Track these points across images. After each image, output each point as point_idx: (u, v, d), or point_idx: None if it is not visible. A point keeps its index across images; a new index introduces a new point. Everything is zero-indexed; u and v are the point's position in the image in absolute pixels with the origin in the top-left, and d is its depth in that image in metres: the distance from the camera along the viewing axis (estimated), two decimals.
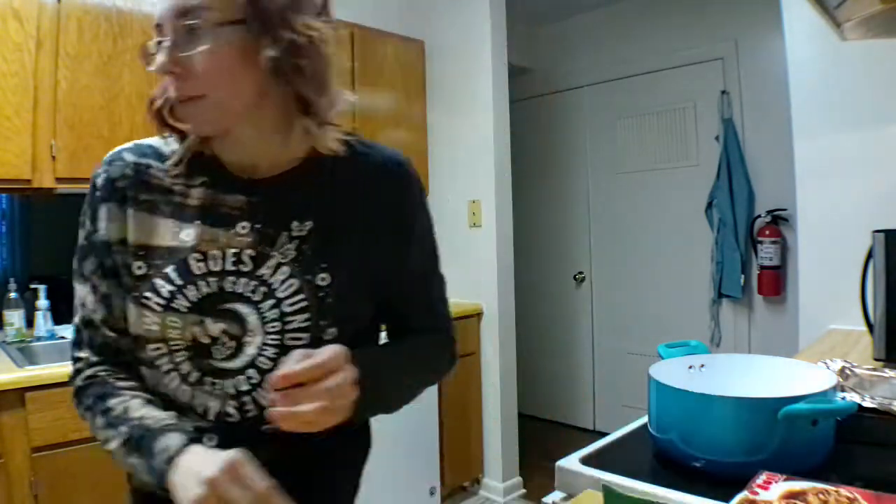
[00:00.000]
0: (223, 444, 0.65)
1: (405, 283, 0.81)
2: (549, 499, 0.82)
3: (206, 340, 0.70)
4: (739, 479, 0.64)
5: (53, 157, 1.82)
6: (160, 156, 0.76)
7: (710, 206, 3.08)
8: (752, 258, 2.94)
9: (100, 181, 0.75)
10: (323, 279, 0.73)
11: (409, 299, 0.83)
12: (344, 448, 0.80)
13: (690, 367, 0.93)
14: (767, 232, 2.82)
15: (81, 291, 0.76)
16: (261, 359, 0.70)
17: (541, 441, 3.44)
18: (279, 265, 0.72)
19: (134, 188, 0.74)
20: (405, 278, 0.81)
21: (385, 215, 0.78)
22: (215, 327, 0.70)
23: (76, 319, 0.77)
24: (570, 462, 0.82)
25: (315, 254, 0.73)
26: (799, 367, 0.91)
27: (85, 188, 0.76)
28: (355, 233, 0.76)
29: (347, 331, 0.73)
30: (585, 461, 0.82)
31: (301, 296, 0.71)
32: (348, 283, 0.74)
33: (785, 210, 2.79)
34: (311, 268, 0.72)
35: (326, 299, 0.72)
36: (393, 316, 0.83)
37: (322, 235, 0.74)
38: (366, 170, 0.79)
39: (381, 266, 0.78)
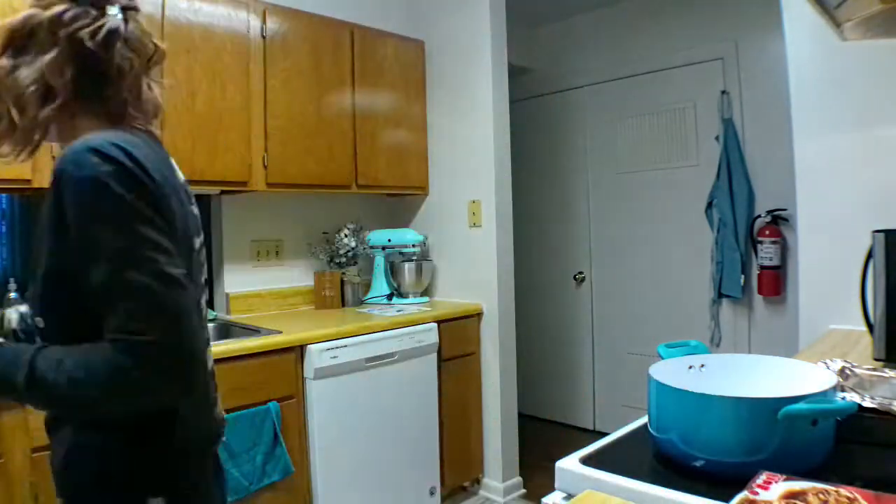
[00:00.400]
0: None
1: (84, 288, 0.76)
2: (549, 499, 0.82)
3: None
4: (739, 479, 0.64)
5: (53, 157, 1.81)
6: None
7: (710, 206, 3.08)
8: (752, 258, 2.94)
9: None
10: (33, 273, 0.84)
11: (99, 305, 0.76)
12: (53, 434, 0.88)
13: (690, 367, 0.94)
14: (767, 232, 2.82)
15: None
16: None
17: (541, 441, 3.44)
18: None
19: None
20: (80, 282, 0.77)
21: (47, 216, 0.80)
22: None
23: None
24: (570, 462, 0.82)
25: (37, 251, 0.84)
26: (799, 367, 0.91)
27: None
28: (45, 234, 0.81)
29: (51, 324, 0.83)
30: (585, 461, 0.82)
31: (30, 285, 0.86)
32: (41, 281, 0.82)
33: (785, 210, 2.79)
34: (36, 262, 0.84)
35: (28, 292, 0.87)
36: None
37: (37, 236, 0.84)
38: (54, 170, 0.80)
39: (63, 268, 0.79)
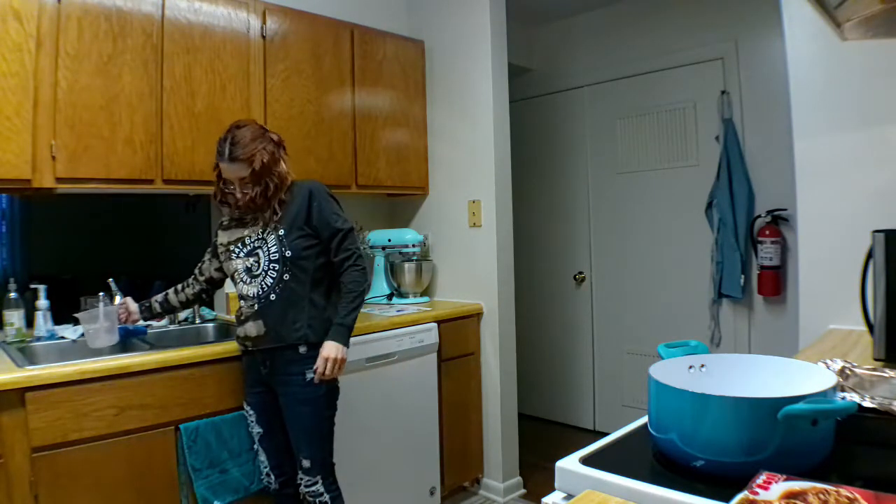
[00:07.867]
0: None
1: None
2: (549, 499, 0.82)
3: None
4: (739, 479, 0.64)
5: (53, 157, 1.81)
6: None
7: (710, 206, 3.08)
8: (752, 258, 2.94)
9: None
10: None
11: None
12: None
13: (690, 367, 0.93)
14: (767, 232, 2.82)
15: None
16: None
17: (541, 441, 3.44)
18: None
19: None
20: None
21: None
22: None
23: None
24: (570, 462, 0.82)
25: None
26: (799, 367, 0.91)
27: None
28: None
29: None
30: (585, 461, 0.82)
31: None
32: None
33: (785, 210, 2.79)
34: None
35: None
36: None
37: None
38: None
39: None
